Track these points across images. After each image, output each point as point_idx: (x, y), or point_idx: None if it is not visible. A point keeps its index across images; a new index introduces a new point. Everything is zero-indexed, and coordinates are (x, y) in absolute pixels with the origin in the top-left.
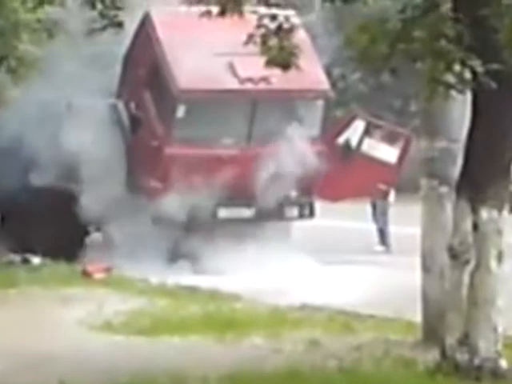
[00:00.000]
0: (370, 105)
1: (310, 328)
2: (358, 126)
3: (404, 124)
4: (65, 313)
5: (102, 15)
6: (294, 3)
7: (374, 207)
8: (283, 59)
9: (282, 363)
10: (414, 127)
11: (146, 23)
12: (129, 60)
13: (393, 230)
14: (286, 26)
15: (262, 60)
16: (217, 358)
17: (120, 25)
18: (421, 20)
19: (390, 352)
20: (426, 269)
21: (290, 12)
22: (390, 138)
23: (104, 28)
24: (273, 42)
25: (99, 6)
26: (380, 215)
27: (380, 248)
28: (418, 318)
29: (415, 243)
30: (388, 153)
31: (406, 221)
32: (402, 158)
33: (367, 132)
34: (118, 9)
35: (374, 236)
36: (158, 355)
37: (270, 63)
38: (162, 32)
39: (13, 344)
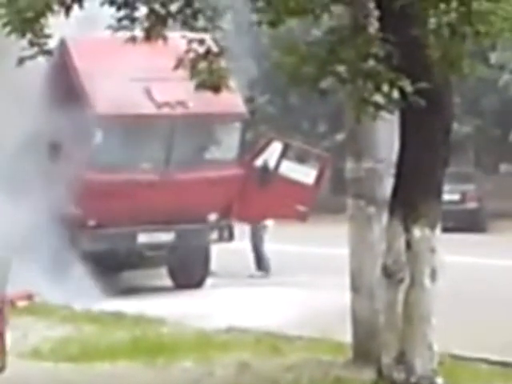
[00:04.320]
0: (278, 126)
1: (239, 351)
2: (276, 148)
3: (313, 145)
4: None
5: (32, 43)
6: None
7: (254, 231)
8: (213, 82)
9: None
10: (324, 148)
11: (61, 50)
12: (46, 86)
13: (311, 250)
14: (214, 49)
15: (179, 85)
16: (149, 382)
17: (50, 53)
18: (349, 41)
19: (323, 372)
20: (354, 289)
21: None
22: (308, 160)
23: (34, 56)
24: (202, 65)
25: (29, 34)
26: (258, 238)
27: (258, 273)
28: (345, 337)
29: (333, 264)
30: (305, 174)
31: (326, 242)
32: (319, 179)
33: (284, 154)
34: (48, 37)
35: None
36: (90, 381)
37: (199, 87)
38: (77, 58)
39: None
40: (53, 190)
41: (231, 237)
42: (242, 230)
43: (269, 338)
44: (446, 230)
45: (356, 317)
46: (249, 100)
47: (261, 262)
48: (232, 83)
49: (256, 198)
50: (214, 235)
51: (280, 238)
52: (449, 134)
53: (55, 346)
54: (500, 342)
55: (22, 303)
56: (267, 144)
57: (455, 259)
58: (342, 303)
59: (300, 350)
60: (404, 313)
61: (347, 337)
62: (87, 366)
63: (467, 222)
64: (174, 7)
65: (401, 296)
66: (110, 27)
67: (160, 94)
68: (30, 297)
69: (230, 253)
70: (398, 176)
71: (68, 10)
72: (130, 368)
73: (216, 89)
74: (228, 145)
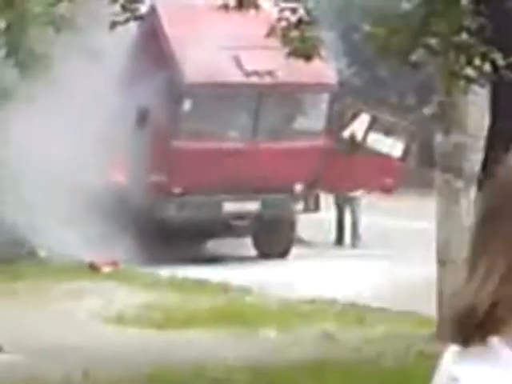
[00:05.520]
0: (365, 98)
1: (322, 321)
2: (363, 119)
3: (400, 118)
4: (76, 306)
5: (124, 8)
6: None
7: (339, 201)
8: (305, 50)
9: (300, 356)
10: (411, 121)
11: (151, 17)
12: (135, 53)
13: (397, 223)
14: (306, 18)
15: (268, 53)
16: (233, 350)
17: (141, 18)
18: (441, 13)
19: (406, 345)
20: (441, 262)
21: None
22: (395, 132)
23: (126, 21)
24: (294, 33)
25: None
26: (355, 209)
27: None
28: (430, 311)
29: (419, 237)
30: (392, 147)
31: (412, 215)
32: (406, 151)
33: (372, 126)
34: (140, 2)
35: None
36: (174, 348)
37: (291, 55)
38: (167, 25)
39: (30, 337)
40: (139, 156)
41: (317, 207)
42: (327, 201)
43: (353, 310)
44: None
45: (441, 290)
46: (336, 72)
47: (356, 232)
48: (323, 52)
49: (342, 169)
50: (300, 205)
51: (365, 211)
52: None
53: (139, 312)
54: None
55: (106, 269)
56: (355, 115)
57: None
58: (428, 277)
59: (384, 322)
60: None
61: (432, 310)
62: (171, 333)
63: None
64: None
65: None
66: None
67: (249, 63)
68: (114, 263)
69: (315, 223)
70: (488, 150)
71: None
72: (213, 336)
73: (308, 57)
74: (316, 115)
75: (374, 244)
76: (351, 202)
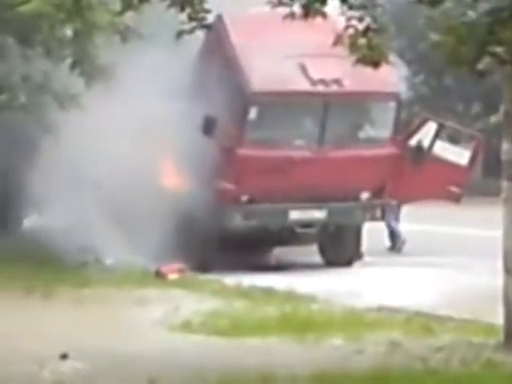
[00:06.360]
0: (432, 107)
1: (389, 329)
2: (430, 128)
3: (465, 126)
4: (142, 313)
5: (191, 18)
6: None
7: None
8: (373, 58)
9: (367, 364)
10: (477, 129)
11: (217, 25)
12: (200, 62)
13: (463, 232)
14: (373, 26)
15: (334, 62)
16: (299, 358)
17: (208, 27)
18: (508, 22)
19: (474, 354)
20: (508, 271)
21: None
22: (462, 140)
23: (192, 30)
24: (361, 41)
25: (188, 8)
26: (394, 216)
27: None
28: (497, 319)
29: (485, 246)
30: (459, 155)
31: (478, 224)
32: (473, 160)
33: (439, 134)
34: (207, 11)
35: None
36: (241, 355)
37: (359, 62)
38: (234, 34)
39: (96, 344)
40: (206, 164)
41: (383, 216)
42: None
43: (420, 318)
44: None
45: (508, 299)
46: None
47: (395, 240)
48: (391, 60)
49: (409, 177)
50: (366, 214)
51: (431, 219)
52: None
53: (205, 320)
54: None
55: (173, 276)
56: (422, 124)
57: None
58: (494, 285)
59: (451, 330)
60: None
61: (499, 319)
62: (237, 341)
63: None
64: None
65: None
66: (269, 2)
67: (315, 71)
68: (181, 270)
69: (380, 232)
70: None
71: None
72: (279, 344)
73: (375, 64)
74: (382, 124)
75: (440, 252)
76: (393, 208)
